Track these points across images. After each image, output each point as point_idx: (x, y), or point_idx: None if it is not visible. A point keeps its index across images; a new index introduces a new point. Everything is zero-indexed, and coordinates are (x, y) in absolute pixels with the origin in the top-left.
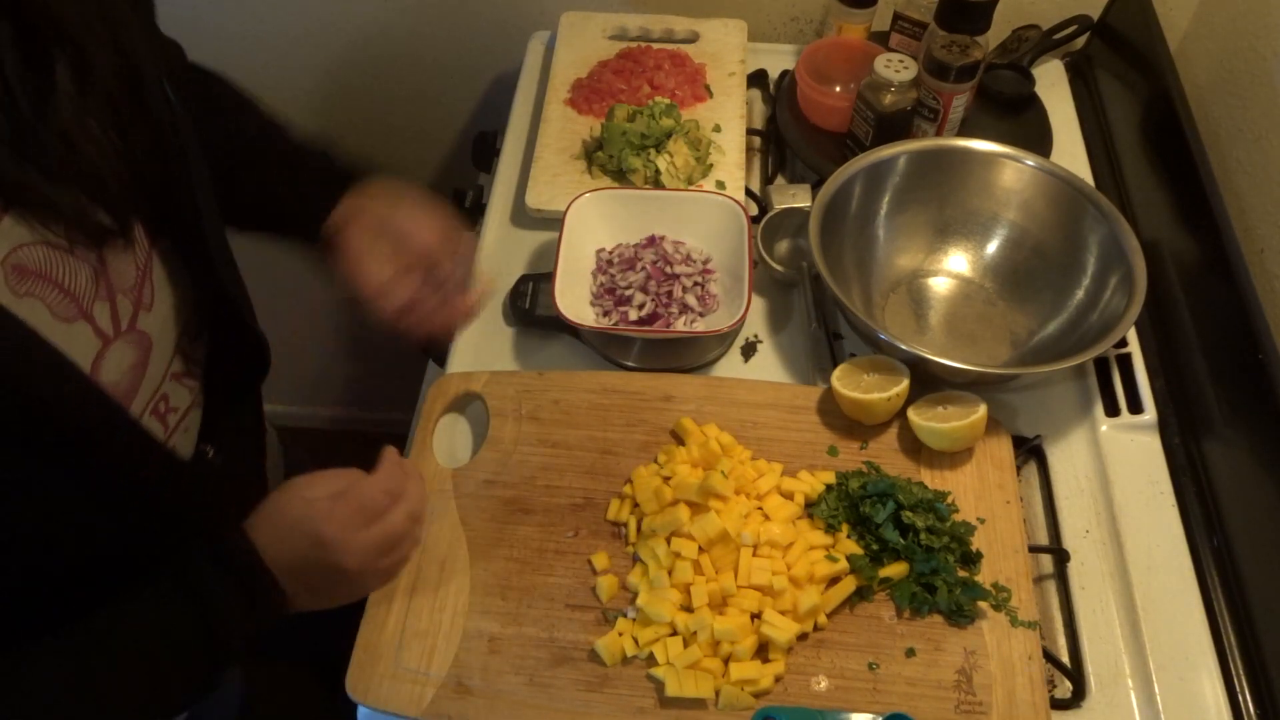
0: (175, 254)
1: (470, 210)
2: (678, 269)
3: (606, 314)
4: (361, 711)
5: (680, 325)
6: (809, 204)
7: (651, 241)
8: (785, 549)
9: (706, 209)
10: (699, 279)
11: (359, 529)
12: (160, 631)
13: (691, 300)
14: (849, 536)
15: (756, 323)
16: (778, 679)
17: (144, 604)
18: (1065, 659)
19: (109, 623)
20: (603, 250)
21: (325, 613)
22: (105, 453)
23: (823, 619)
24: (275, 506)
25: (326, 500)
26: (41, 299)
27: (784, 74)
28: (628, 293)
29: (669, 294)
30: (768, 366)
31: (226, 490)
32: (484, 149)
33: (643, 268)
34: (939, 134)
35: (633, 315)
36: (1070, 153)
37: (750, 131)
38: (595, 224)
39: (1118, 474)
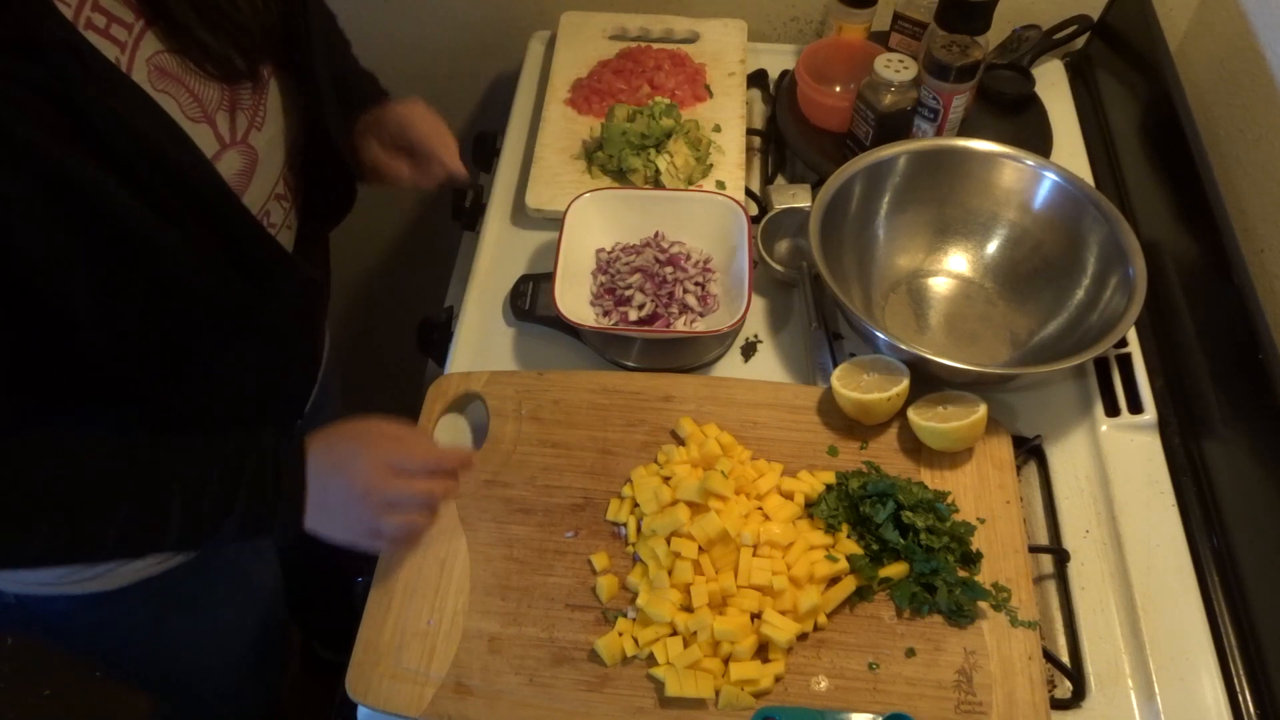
0: (289, 89)
1: (470, 210)
2: (678, 269)
3: (606, 314)
4: (361, 712)
5: (680, 325)
6: (809, 204)
7: (651, 241)
8: (785, 549)
9: (706, 209)
10: (699, 279)
11: (388, 471)
12: (194, 470)
13: (691, 300)
14: (849, 536)
15: (756, 323)
16: (778, 679)
17: (196, 444)
18: (1065, 659)
19: (161, 447)
20: (602, 250)
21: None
22: (220, 223)
23: (823, 619)
24: (343, 423)
25: (382, 435)
26: (175, 98)
27: (784, 74)
28: (628, 293)
29: (669, 294)
30: (768, 366)
31: (300, 296)
32: (484, 149)
33: (642, 267)
34: (939, 134)
35: (633, 315)
36: (1070, 153)
37: (750, 131)
38: (595, 224)
39: (1118, 474)
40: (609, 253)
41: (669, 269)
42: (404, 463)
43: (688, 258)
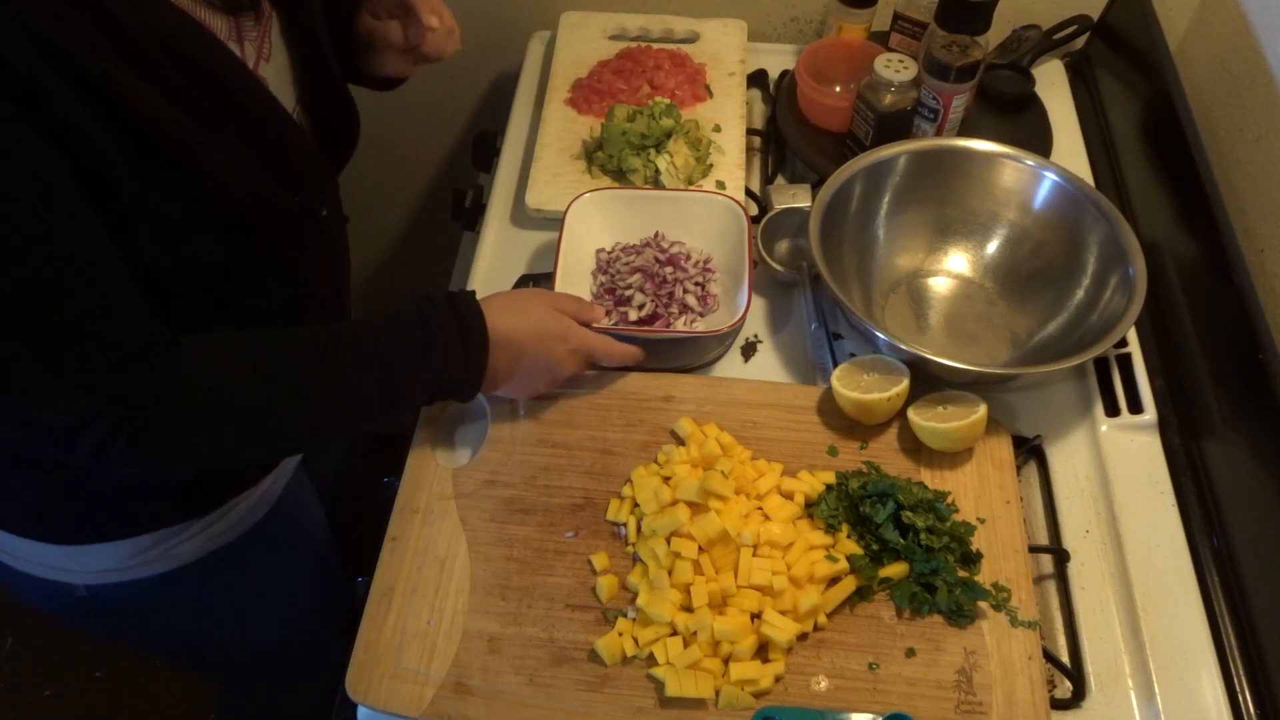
0: (289, 22)
1: (470, 210)
2: (678, 269)
3: (607, 314)
4: (361, 712)
5: (680, 325)
6: (809, 204)
7: (651, 241)
8: (785, 549)
9: (706, 209)
10: (699, 279)
11: (562, 328)
12: (389, 339)
13: (691, 300)
14: (849, 536)
15: (756, 323)
16: (778, 679)
17: (382, 317)
18: (1065, 659)
19: (348, 326)
20: (602, 250)
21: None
22: (263, 133)
23: (823, 619)
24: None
25: (549, 293)
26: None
27: (784, 74)
28: (628, 293)
29: (669, 294)
30: (768, 366)
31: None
32: (484, 149)
33: (643, 267)
34: (939, 134)
35: (633, 315)
36: (1070, 153)
37: (750, 131)
38: (595, 224)
39: (1118, 474)
40: (609, 253)
41: (669, 269)
42: (576, 313)
43: (688, 258)
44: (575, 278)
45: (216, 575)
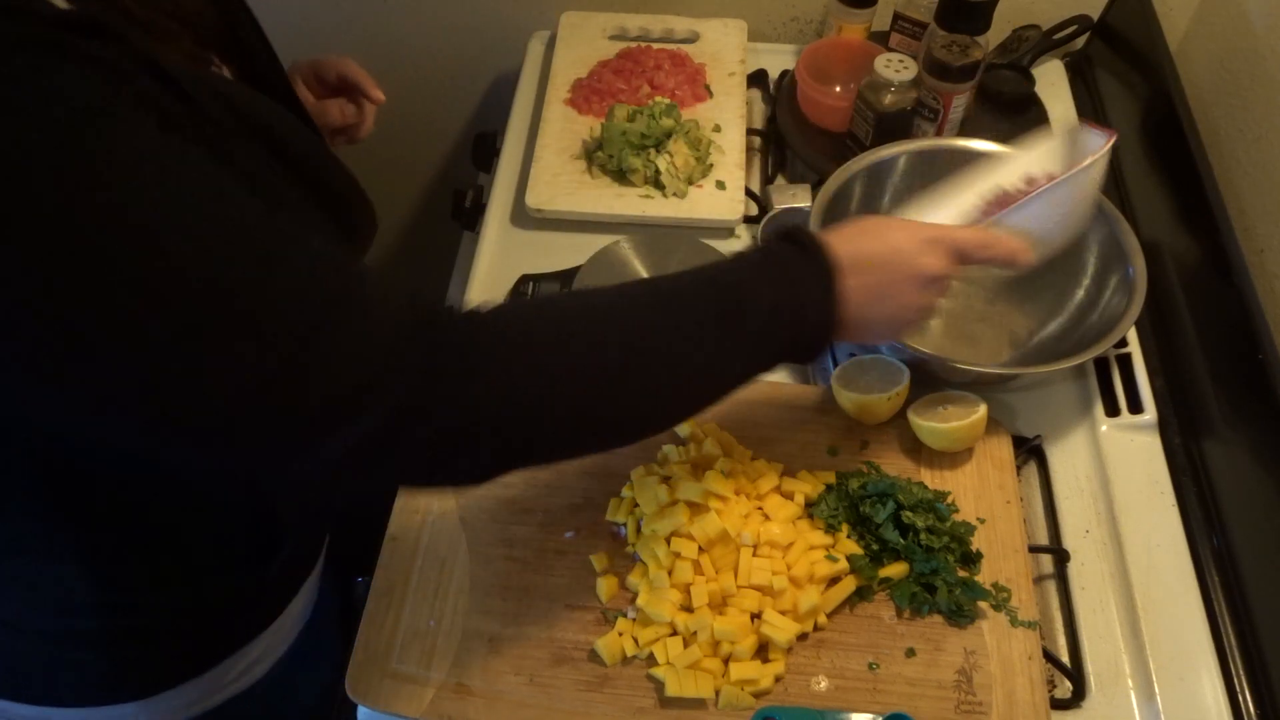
0: (247, 79)
1: (470, 210)
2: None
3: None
4: (361, 712)
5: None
6: (809, 204)
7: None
8: (785, 549)
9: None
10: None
11: (924, 243)
12: (736, 287)
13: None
14: (849, 536)
15: None
16: (778, 679)
17: (726, 263)
18: (1065, 659)
19: (689, 274)
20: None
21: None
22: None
23: (823, 619)
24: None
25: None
26: None
27: (784, 74)
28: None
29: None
30: None
31: None
32: (484, 149)
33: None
34: (939, 134)
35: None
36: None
37: (750, 131)
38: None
39: (1118, 474)
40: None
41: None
42: (939, 238)
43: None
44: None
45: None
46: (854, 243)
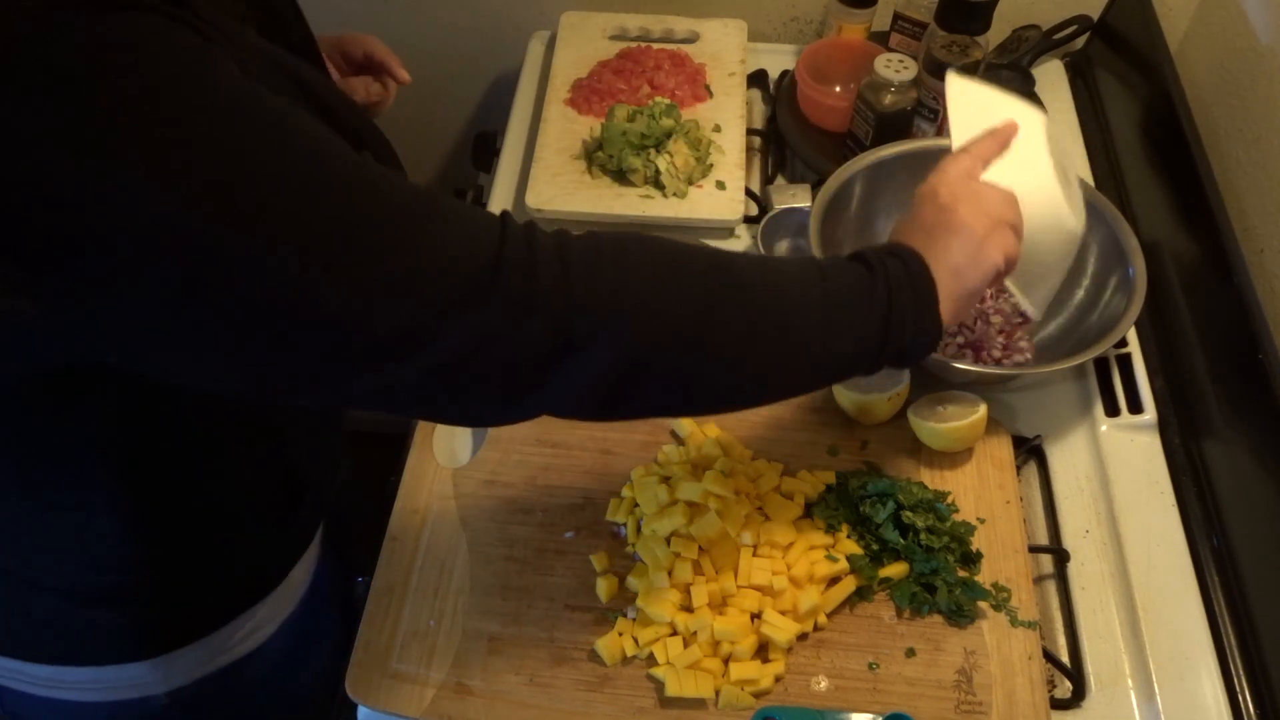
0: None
1: None
2: None
3: None
4: (361, 712)
5: None
6: (809, 204)
7: None
8: (785, 549)
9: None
10: None
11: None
12: (852, 284)
13: None
14: (849, 536)
15: None
16: (778, 679)
17: (839, 261)
18: (1065, 659)
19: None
20: None
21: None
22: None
23: (823, 619)
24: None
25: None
26: None
27: (784, 74)
28: None
29: None
30: None
31: None
32: (484, 149)
33: None
34: (939, 134)
35: None
36: (1070, 152)
37: (750, 131)
38: None
39: (1118, 474)
40: None
41: None
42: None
43: None
44: None
45: (252, 670)
46: (907, 235)
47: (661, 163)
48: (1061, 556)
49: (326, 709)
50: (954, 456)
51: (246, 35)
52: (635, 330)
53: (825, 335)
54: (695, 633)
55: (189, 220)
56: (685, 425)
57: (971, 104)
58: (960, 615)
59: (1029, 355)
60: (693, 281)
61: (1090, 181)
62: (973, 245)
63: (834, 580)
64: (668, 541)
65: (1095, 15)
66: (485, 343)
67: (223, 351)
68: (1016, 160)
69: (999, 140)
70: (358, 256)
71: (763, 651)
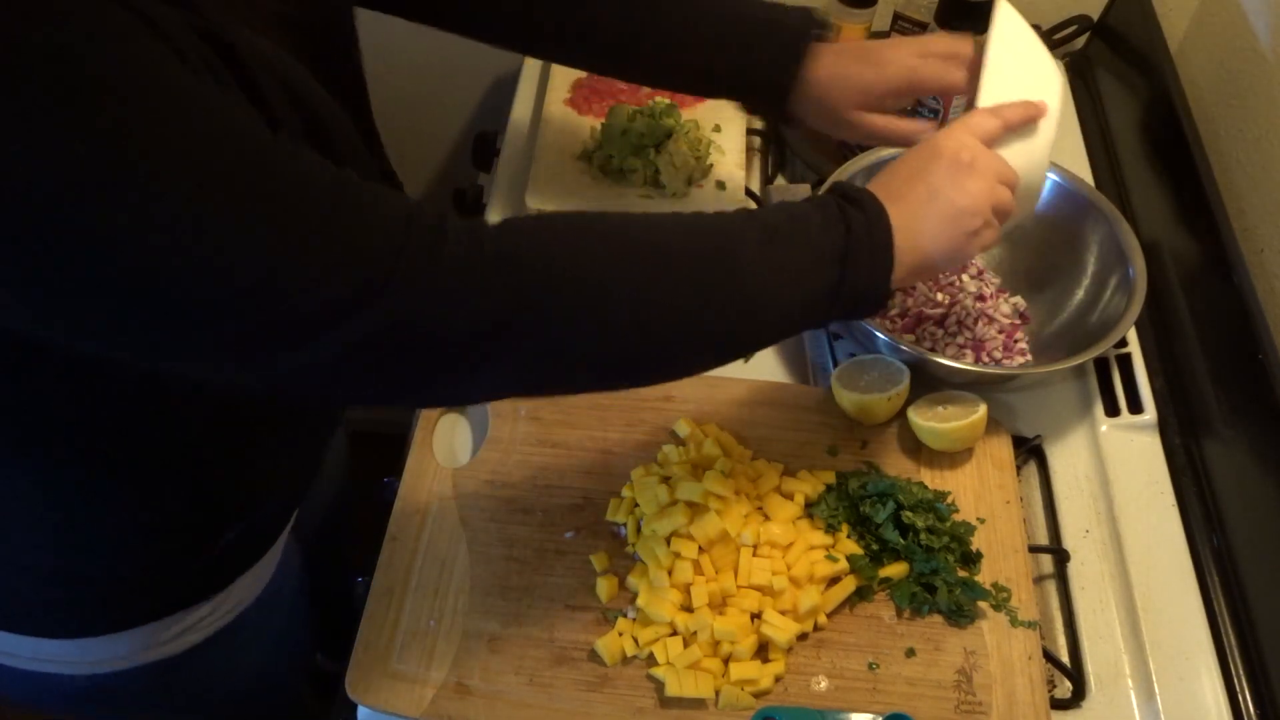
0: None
1: (470, 210)
2: None
3: None
4: (361, 712)
5: None
6: None
7: None
8: (785, 549)
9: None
10: None
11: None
12: (805, 232)
13: None
14: (849, 536)
15: None
16: (778, 679)
17: (795, 207)
18: (1065, 659)
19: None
20: None
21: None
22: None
23: (823, 619)
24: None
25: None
26: None
27: None
28: None
29: None
30: (767, 366)
31: None
32: (484, 149)
33: None
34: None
35: None
36: (1070, 153)
37: (750, 131)
38: None
39: (1118, 474)
40: None
41: None
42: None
43: None
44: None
45: (219, 647)
46: (884, 182)
47: (661, 163)
48: (1061, 556)
49: (303, 681)
50: (954, 456)
51: (268, 55)
52: (555, 315)
53: (756, 308)
54: (695, 633)
55: (68, 179)
56: (685, 425)
57: (1013, 47)
58: (960, 615)
59: (1029, 355)
60: (623, 263)
61: (1090, 181)
62: (961, 236)
63: (834, 580)
64: (668, 541)
65: (1095, 15)
66: (388, 329)
67: (105, 316)
68: (1030, 139)
69: (1029, 117)
70: (241, 232)
71: (763, 651)
